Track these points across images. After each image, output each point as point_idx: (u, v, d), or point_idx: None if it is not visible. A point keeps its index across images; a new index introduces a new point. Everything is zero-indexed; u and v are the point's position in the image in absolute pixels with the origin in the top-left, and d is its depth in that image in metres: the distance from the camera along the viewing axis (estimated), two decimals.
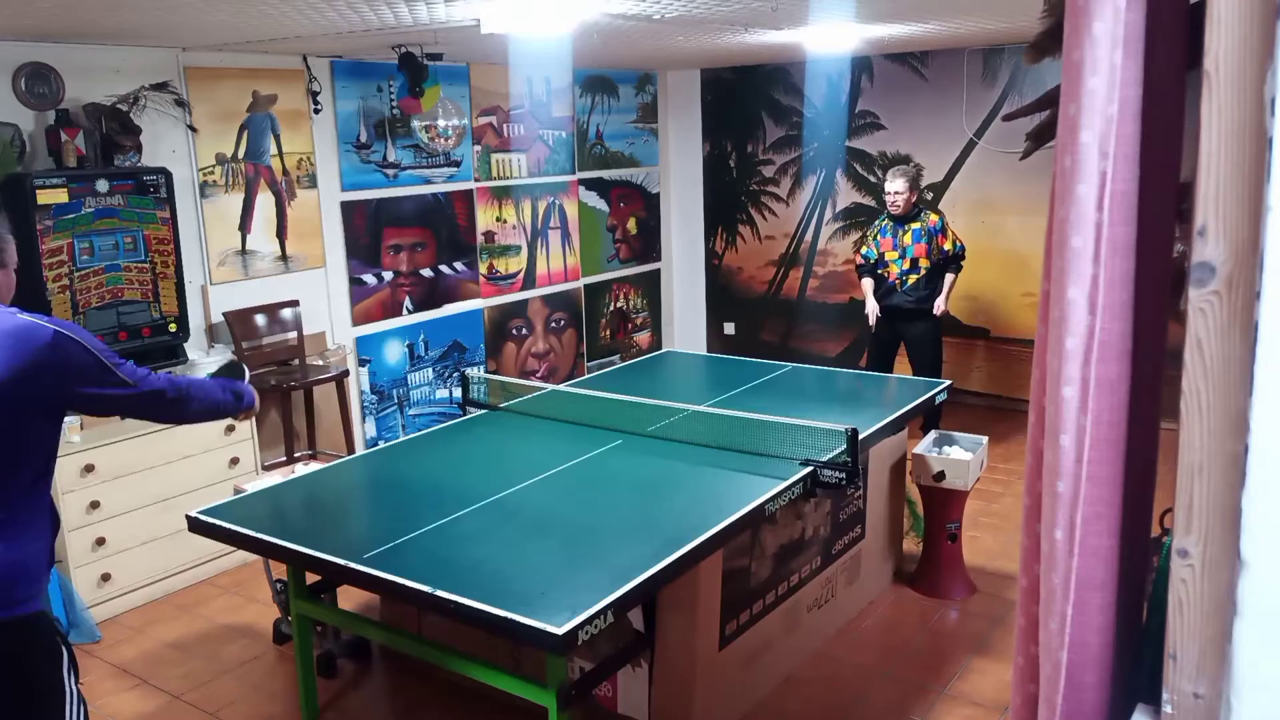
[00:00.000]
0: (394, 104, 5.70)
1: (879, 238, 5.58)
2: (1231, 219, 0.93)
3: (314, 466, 3.69)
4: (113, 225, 4.29)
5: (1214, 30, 0.92)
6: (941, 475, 3.89)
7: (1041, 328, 1.27)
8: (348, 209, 5.57)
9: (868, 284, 5.64)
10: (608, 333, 7.44)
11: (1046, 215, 1.25)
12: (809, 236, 7.21)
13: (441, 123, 5.99)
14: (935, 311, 5.47)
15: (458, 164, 6.13)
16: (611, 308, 7.46)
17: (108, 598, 4.09)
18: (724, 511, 2.87)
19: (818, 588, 3.66)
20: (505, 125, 6.41)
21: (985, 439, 4.15)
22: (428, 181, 5.98)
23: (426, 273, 6.05)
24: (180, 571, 4.35)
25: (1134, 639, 1.34)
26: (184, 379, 2.35)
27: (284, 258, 5.28)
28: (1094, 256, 1.14)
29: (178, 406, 2.29)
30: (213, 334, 4.96)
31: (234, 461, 4.47)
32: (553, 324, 6.98)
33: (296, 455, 4.94)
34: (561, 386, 4.47)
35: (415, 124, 5.85)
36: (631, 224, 7.54)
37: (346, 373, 5.25)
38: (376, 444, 5.65)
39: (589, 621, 2.30)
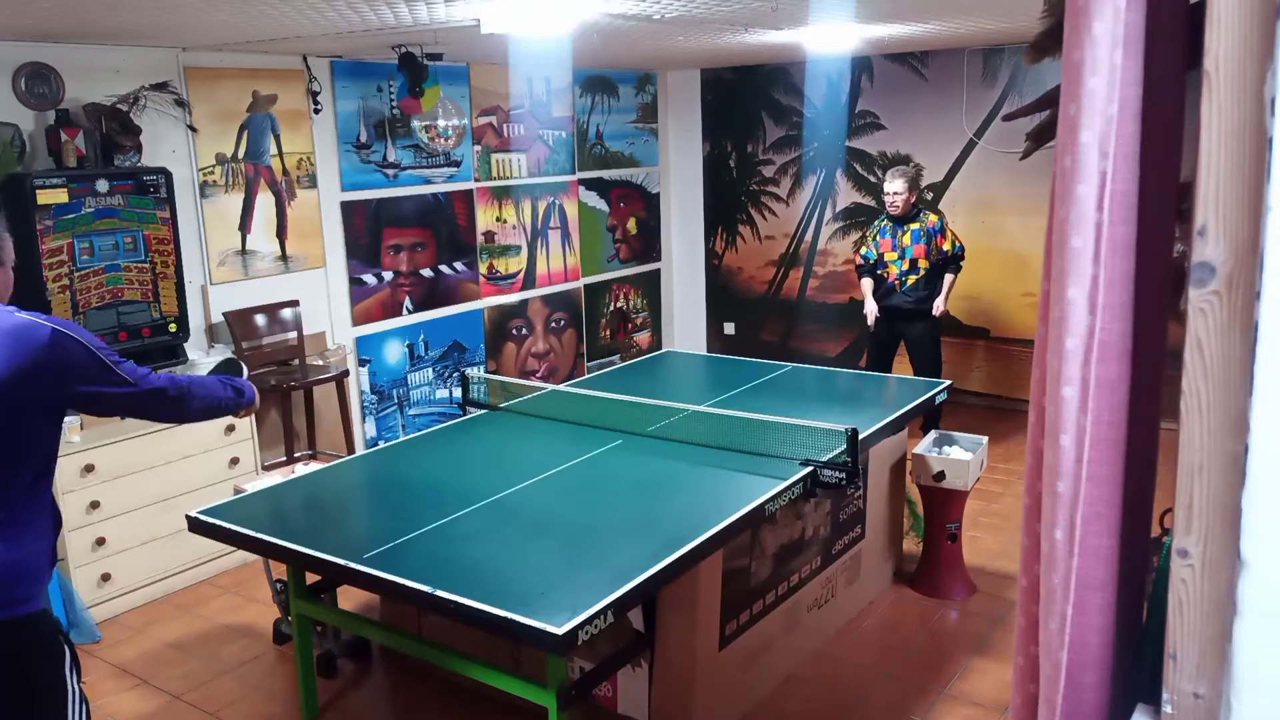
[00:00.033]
0: (394, 104, 5.70)
1: (878, 238, 5.59)
2: (1231, 219, 0.93)
3: (314, 466, 3.69)
4: (113, 225, 4.29)
5: (1214, 30, 0.92)
6: (941, 475, 3.89)
7: (1041, 328, 1.27)
8: (348, 209, 5.57)
9: (867, 284, 5.65)
10: (608, 333, 7.44)
11: (1046, 215, 1.25)
12: (809, 236, 7.21)
13: (441, 123, 5.99)
14: (934, 312, 5.48)
15: (458, 164, 6.13)
16: (611, 308, 7.46)
17: (108, 598, 4.09)
18: (724, 511, 2.87)
19: (818, 588, 3.66)
20: (505, 125, 6.41)
21: (985, 439, 4.15)
22: (428, 181, 5.98)
23: (426, 273, 6.05)
24: (180, 571, 4.35)
25: (1134, 639, 1.34)
26: (184, 377, 2.34)
27: (284, 258, 5.28)
28: (1094, 256, 1.14)
29: (179, 404, 2.28)
30: (213, 334, 4.96)
31: (234, 461, 4.48)
32: (553, 324, 6.98)
33: (296, 455, 4.94)
34: (561, 386, 4.47)
35: (415, 124, 5.85)
36: (631, 224, 7.54)
37: (346, 373, 5.25)
38: (376, 444, 5.65)
39: (589, 621, 2.30)
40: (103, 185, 4.23)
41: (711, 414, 3.69)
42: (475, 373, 5.47)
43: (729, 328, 7.78)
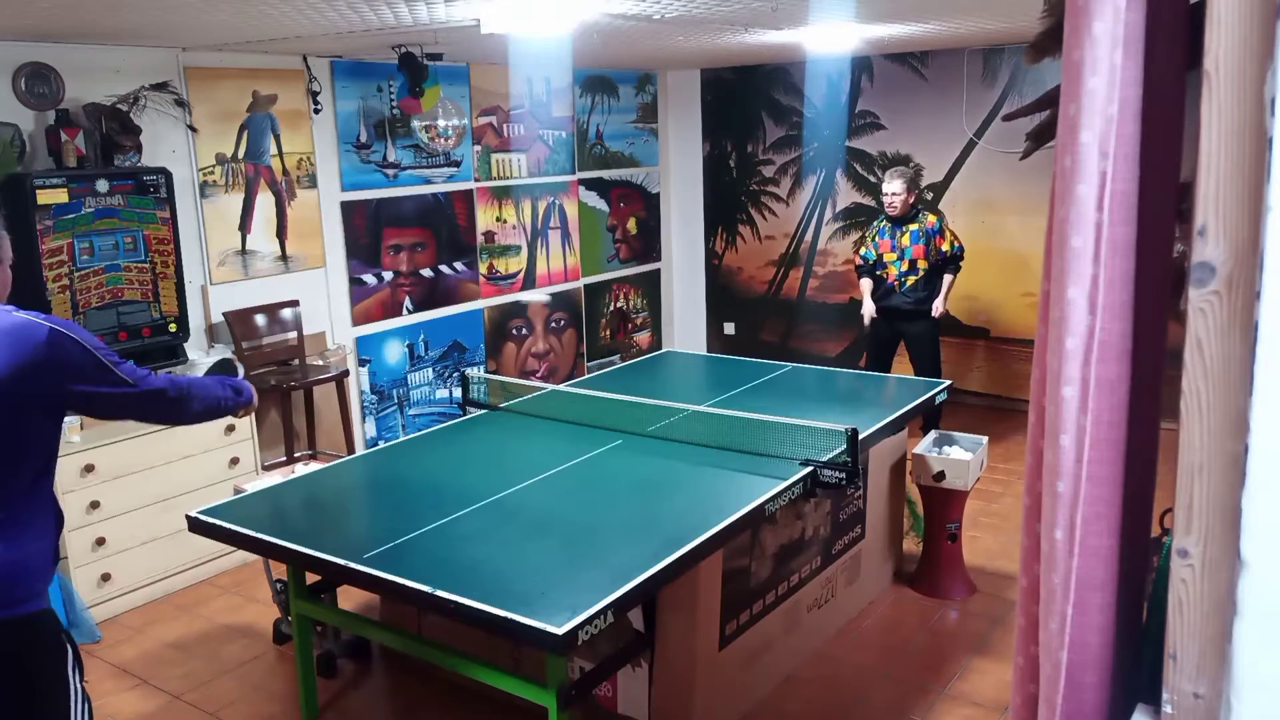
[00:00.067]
0: (394, 104, 5.70)
1: (877, 239, 5.60)
2: (1231, 219, 0.93)
3: (314, 466, 3.69)
4: (113, 225, 4.29)
5: (1214, 30, 0.92)
6: (941, 475, 3.89)
7: (1041, 328, 1.27)
8: (348, 209, 5.57)
9: (866, 284, 5.66)
10: (608, 333, 7.44)
11: (1046, 215, 1.25)
12: (809, 236, 7.21)
13: (441, 123, 5.99)
14: (934, 313, 5.48)
15: (458, 164, 6.13)
16: (611, 308, 7.46)
17: (108, 598, 4.09)
18: (724, 511, 2.87)
19: (818, 588, 3.66)
20: (505, 125, 6.41)
21: (985, 439, 4.15)
22: (428, 181, 5.98)
23: (426, 273, 6.05)
24: (180, 571, 4.35)
25: (1134, 639, 1.34)
26: (184, 378, 2.34)
27: (284, 258, 5.28)
28: (1094, 256, 1.14)
29: (179, 406, 2.28)
30: (213, 334, 4.96)
31: (234, 461, 4.48)
32: (553, 324, 6.98)
33: (296, 455, 4.94)
34: (561, 386, 4.47)
35: (415, 124, 5.85)
36: (631, 224, 7.54)
37: (346, 373, 5.25)
38: (376, 444, 5.65)
39: (589, 621, 2.30)
40: (103, 185, 4.23)
41: (711, 414, 3.68)
42: (475, 373, 5.47)
43: (729, 328, 7.78)
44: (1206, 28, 0.93)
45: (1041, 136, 1.62)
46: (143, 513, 4.17)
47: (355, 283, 5.66)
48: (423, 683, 3.51)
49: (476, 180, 6.26)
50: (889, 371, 5.56)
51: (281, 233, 5.26)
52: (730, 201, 7.56)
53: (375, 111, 5.63)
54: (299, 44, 4.70)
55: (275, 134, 5.17)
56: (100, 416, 2.25)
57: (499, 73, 6.29)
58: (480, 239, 6.35)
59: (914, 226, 5.47)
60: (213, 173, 4.93)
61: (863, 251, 5.70)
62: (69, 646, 2.09)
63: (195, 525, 3.09)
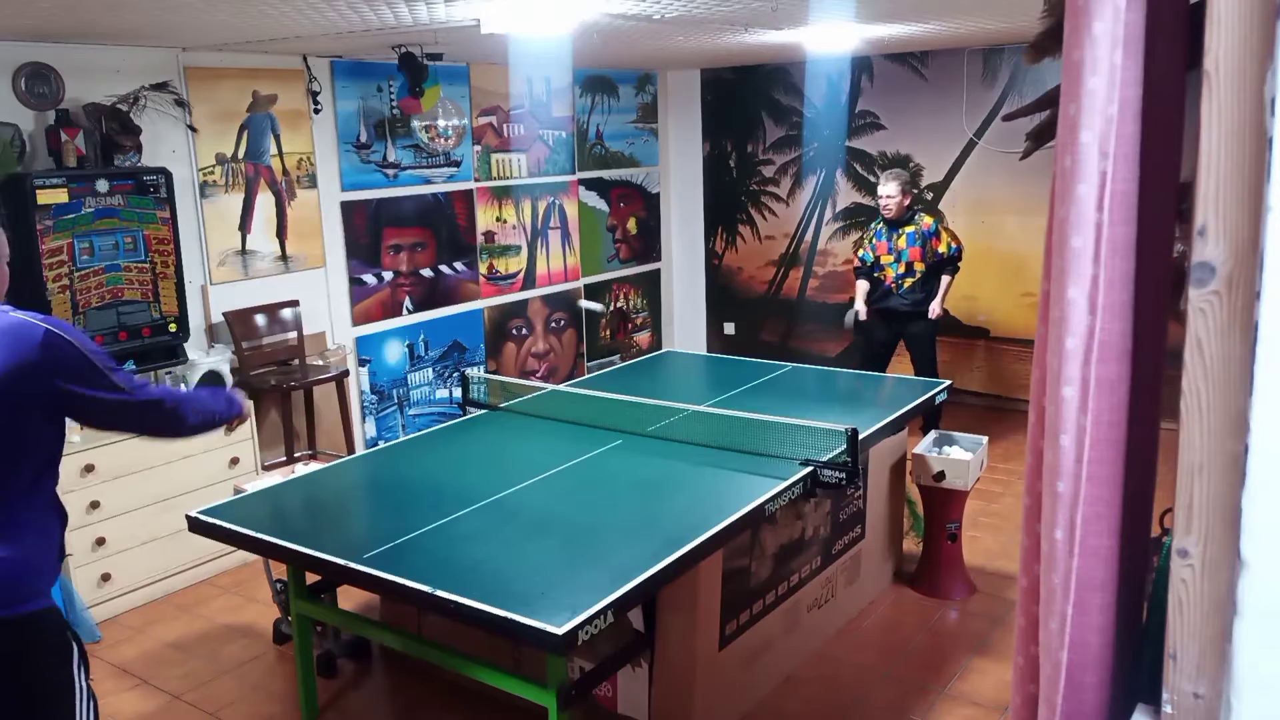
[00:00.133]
0: (394, 104, 5.70)
1: (874, 241, 5.61)
2: (1231, 219, 0.93)
3: (314, 466, 3.69)
4: (113, 225, 4.29)
5: (1214, 30, 0.92)
6: (941, 475, 3.89)
7: (1041, 328, 1.27)
8: (348, 209, 5.57)
9: (861, 286, 5.68)
10: (608, 333, 7.44)
11: (1046, 215, 1.25)
12: (809, 236, 7.21)
13: (441, 123, 5.99)
14: (931, 314, 5.48)
15: (458, 164, 6.13)
16: (612, 308, 7.47)
17: (108, 598, 4.09)
18: (724, 511, 2.87)
19: (818, 588, 3.66)
20: (505, 125, 6.41)
21: (985, 439, 4.15)
22: (428, 181, 5.98)
23: (426, 273, 6.05)
24: (180, 571, 4.35)
25: (1134, 639, 1.34)
26: (180, 391, 2.34)
27: (284, 258, 5.28)
28: (1094, 256, 1.14)
29: (175, 419, 2.25)
30: (213, 334, 4.96)
31: (234, 461, 4.48)
32: (553, 324, 6.98)
33: (296, 455, 4.94)
34: (561, 386, 4.47)
35: (415, 124, 5.85)
36: (631, 224, 7.54)
37: (346, 373, 5.25)
38: (376, 444, 5.65)
39: (589, 621, 2.30)
40: (103, 185, 4.23)
41: (711, 414, 3.68)
42: (475, 373, 5.47)
43: (729, 328, 7.78)
44: (1206, 28, 0.93)
45: (1041, 136, 1.62)
46: (143, 513, 4.17)
47: (355, 283, 5.66)
48: (423, 683, 3.51)
49: (476, 180, 6.26)
50: (884, 372, 5.56)
51: (281, 233, 5.26)
52: (730, 201, 7.56)
53: (375, 111, 5.63)
54: (299, 44, 4.70)
55: (275, 134, 5.17)
56: (96, 426, 2.24)
57: (499, 73, 6.29)
58: (480, 239, 6.35)
59: (910, 229, 5.48)
60: (213, 173, 4.92)
61: (861, 254, 5.71)
62: (74, 644, 2.10)
63: (195, 525, 3.09)
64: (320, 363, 5.33)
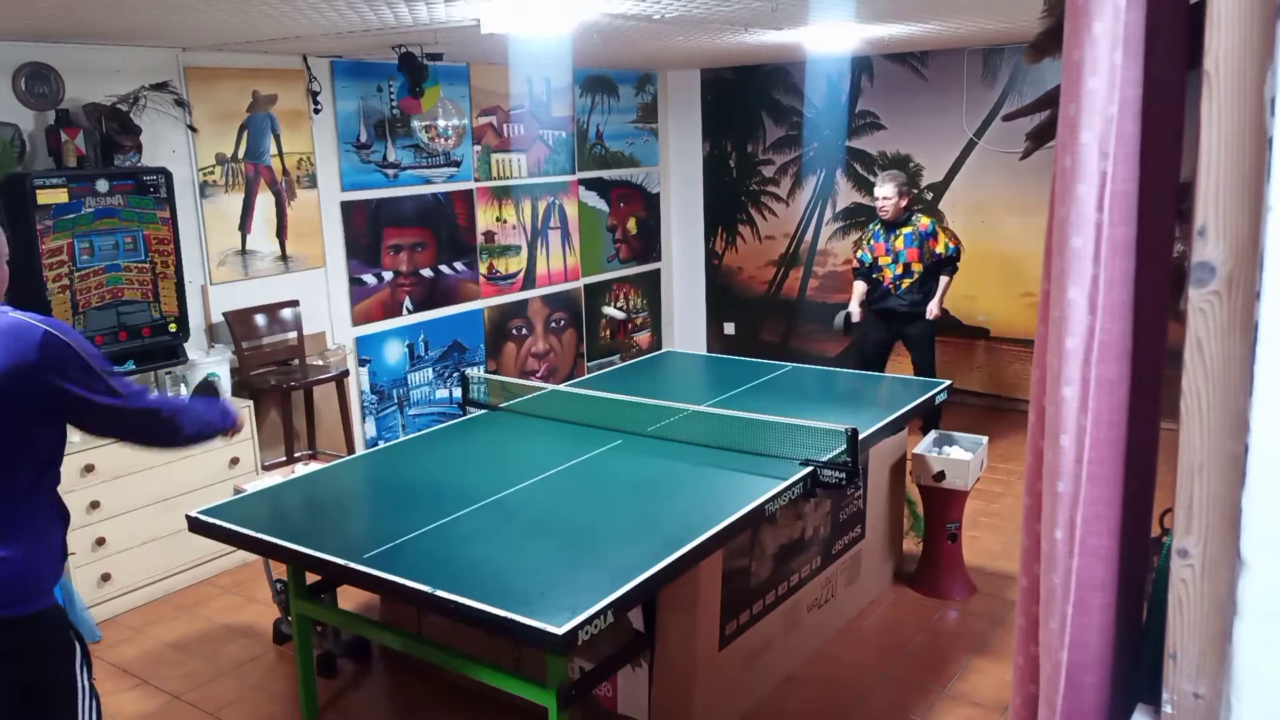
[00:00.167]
0: (394, 104, 5.70)
1: (872, 242, 5.62)
2: (1231, 219, 0.93)
3: (314, 466, 3.69)
4: (113, 225, 4.29)
5: (1214, 30, 0.92)
6: (941, 475, 3.89)
7: (1041, 328, 1.27)
8: (348, 209, 5.57)
9: (858, 287, 5.69)
10: (608, 333, 7.44)
11: (1046, 215, 1.25)
12: (809, 236, 7.21)
13: (441, 123, 5.99)
14: (929, 315, 5.48)
15: (458, 164, 6.13)
16: (612, 308, 7.46)
17: (108, 598, 4.09)
18: (724, 511, 2.87)
19: (818, 588, 3.66)
20: (505, 125, 6.41)
21: (985, 439, 4.15)
22: (428, 181, 5.98)
23: (426, 273, 6.05)
24: (180, 571, 4.35)
25: (1134, 639, 1.34)
26: (177, 401, 2.32)
27: (284, 258, 5.28)
28: (1094, 256, 1.14)
29: (171, 428, 2.23)
30: (213, 334, 4.96)
31: (234, 461, 4.48)
32: (553, 324, 6.98)
33: (296, 455, 4.94)
34: (561, 386, 4.47)
35: (415, 124, 5.85)
36: (631, 224, 7.54)
37: (346, 373, 5.25)
38: (376, 444, 5.65)
39: (589, 621, 2.30)
40: (103, 185, 4.23)
41: (711, 414, 3.68)
42: (475, 373, 5.47)
43: (729, 328, 7.78)
44: (1206, 28, 0.93)
45: (1041, 136, 1.62)
46: (143, 513, 4.17)
47: (355, 283, 5.66)
48: (423, 683, 3.51)
49: (476, 180, 6.26)
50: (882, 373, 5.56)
51: (281, 233, 5.26)
52: (730, 201, 7.56)
53: (375, 111, 5.63)
54: (299, 44, 4.70)
55: (275, 134, 5.17)
56: (92, 431, 2.23)
57: (499, 73, 6.29)
58: (480, 239, 6.35)
59: (908, 230, 5.48)
60: (213, 173, 4.92)
61: (859, 255, 5.72)
62: (76, 644, 2.10)
63: (195, 525, 3.09)
64: (320, 363, 5.33)
